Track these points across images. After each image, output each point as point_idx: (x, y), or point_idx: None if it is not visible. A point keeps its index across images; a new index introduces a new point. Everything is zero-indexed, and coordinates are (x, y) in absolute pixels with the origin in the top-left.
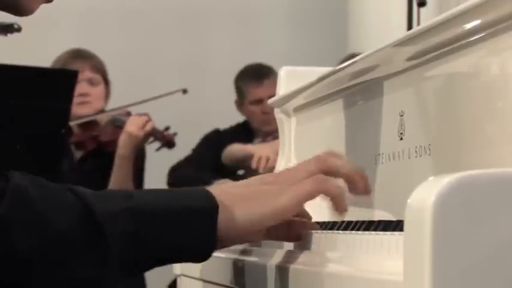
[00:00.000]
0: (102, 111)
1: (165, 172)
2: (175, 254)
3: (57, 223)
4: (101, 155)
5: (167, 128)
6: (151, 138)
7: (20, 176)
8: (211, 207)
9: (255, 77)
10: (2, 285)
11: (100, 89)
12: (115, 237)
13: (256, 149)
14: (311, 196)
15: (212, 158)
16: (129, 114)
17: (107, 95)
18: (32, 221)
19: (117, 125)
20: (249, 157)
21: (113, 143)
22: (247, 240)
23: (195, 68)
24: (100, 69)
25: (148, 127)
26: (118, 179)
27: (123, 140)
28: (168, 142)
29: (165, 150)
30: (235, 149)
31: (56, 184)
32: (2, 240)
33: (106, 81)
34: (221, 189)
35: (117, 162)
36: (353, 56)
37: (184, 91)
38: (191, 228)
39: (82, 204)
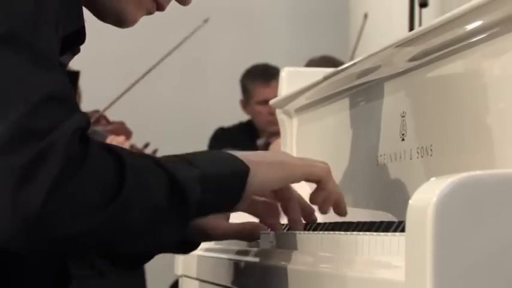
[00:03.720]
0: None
1: None
2: (222, 206)
3: (158, 195)
4: None
5: (146, 145)
6: None
7: (127, 152)
8: (246, 170)
9: (264, 77)
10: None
11: None
12: (192, 205)
13: None
14: (318, 179)
15: None
16: (105, 118)
17: (78, 97)
18: (144, 197)
19: (93, 137)
20: None
21: None
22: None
23: (196, 68)
24: None
25: (126, 147)
26: None
27: None
28: None
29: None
30: None
31: (146, 156)
32: (122, 216)
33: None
34: (245, 156)
35: None
36: (327, 59)
37: (206, 20)
38: (235, 189)
39: (169, 177)
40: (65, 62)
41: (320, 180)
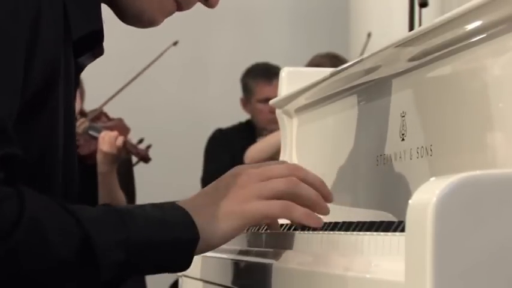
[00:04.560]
0: (81, 113)
1: (155, 181)
2: (157, 272)
3: (60, 251)
4: (83, 171)
5: (141, 141)
6: (127, 152)
7: (37, 200)
8: (193, 239)
9: (266, 75)
10: None
11: None
12: (107, 267)
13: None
14: (274, 217)
15: (227, 158)
16: (105, 115)
17: (81, 95)
18: (40, 250)
19: (93, 135)
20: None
21: (92, 156)
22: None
23: (197, 67)
24: None
25: (119, 142)
26: (106, 193)
27: (99, 159)
28: (142, 158)
29: (157, 151)
30: (264, 147)
31: (61, 205)
32: (11, 263)
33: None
34: (196, 208)
35: (100, 179)
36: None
37: (175, 43)
38: (175, 256)
39: (82, 233)
40: (84, 63)
41: (282, 217)
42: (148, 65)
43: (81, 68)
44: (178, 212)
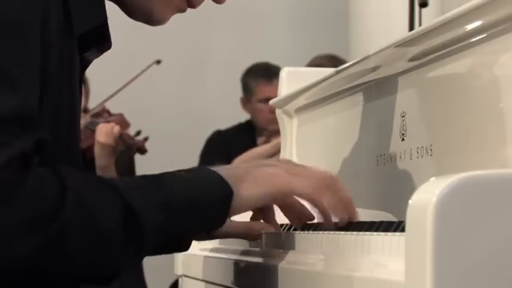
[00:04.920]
0: (85, 109)
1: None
2: (194, 234)
3: (105, 223)
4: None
5: (138, 133)
6: (124, 143)
7: (75, 176)
8: (227, 196)
9: (266, 75)
10: (50, 275)
11: None
12: (150, 232)
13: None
14: (302, 195)
15: (222, 161)
16: (107, 112)
17: (85, 93)
18: (86, 223)
19: (92, 129)
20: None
21: (90, 149)
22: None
23: (196, 67)
24: None
25: (115, 132)
26: None
27: (97, 151)
28: (138, 149)
29: (155, 151)
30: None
31: (100, 181)
32: (61, 243)
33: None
34: (232, 172)
35: (99, 173)
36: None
37: (158, 62)
38: (210, 216)
39: (123, 203)
40: (89, 58)
41: (308, 199)
42: (129, 82)
43: (87, 63)
44: (209, 172)
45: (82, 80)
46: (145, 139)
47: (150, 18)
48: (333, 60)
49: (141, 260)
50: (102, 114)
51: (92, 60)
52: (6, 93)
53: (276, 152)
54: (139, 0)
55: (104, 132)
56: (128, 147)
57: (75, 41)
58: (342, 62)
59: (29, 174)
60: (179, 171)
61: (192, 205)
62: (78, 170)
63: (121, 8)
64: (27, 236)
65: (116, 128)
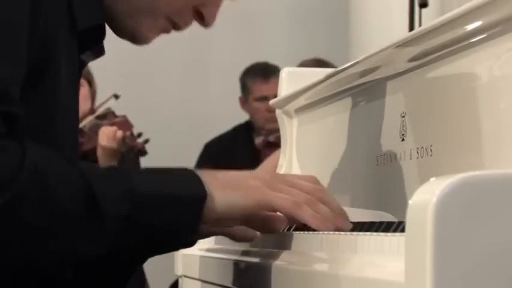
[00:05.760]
0: (92, 110)
1: None
2: (160, 236)
3: (62, 199)
4: None
5: (139, 135)
6: (125, 146)
7: (41, 152)
8: (200, 195)
9: (262, 73)
10: (6, 254)
11: (84, 90)
12: (110, 218)
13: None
14: (280, 210)
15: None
16: (112, 114)
17: (92, 95)
18: (42, 197)
19: (95, 131)
20: None
21: (94, 151)
22: (222, 224)
23: (196, 68)
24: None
25: (118, 136)
26: None
27: (100, 154)
28: (138, 151)
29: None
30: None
31: (65, 158)
32: (14, 213)
33: (90, 82)
34: (212, 176)
35: None
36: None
37: (116, 96)
38: (181, 211)
39: (86, 184)
40: (85, 60)
41: (286, 214)
42: (93, 113)
43: (82, 65)
44: (186, 171)
45: (80, 78)
46: (146, 141)
47: (135, 37)
48: (319, 64)
49: (113, 256)
50: (107, 116)
51: (87, 62)
52: None
53: None
54: (125, 20)
55: (106, 135)
56: (129, 150)
57: (76, 38)
58: (328, 64)
59: None
60: (160, 167)
61: (160, 200)
62: (51, 149)
63: (108, 25)
64: None
65: (119, 133)
